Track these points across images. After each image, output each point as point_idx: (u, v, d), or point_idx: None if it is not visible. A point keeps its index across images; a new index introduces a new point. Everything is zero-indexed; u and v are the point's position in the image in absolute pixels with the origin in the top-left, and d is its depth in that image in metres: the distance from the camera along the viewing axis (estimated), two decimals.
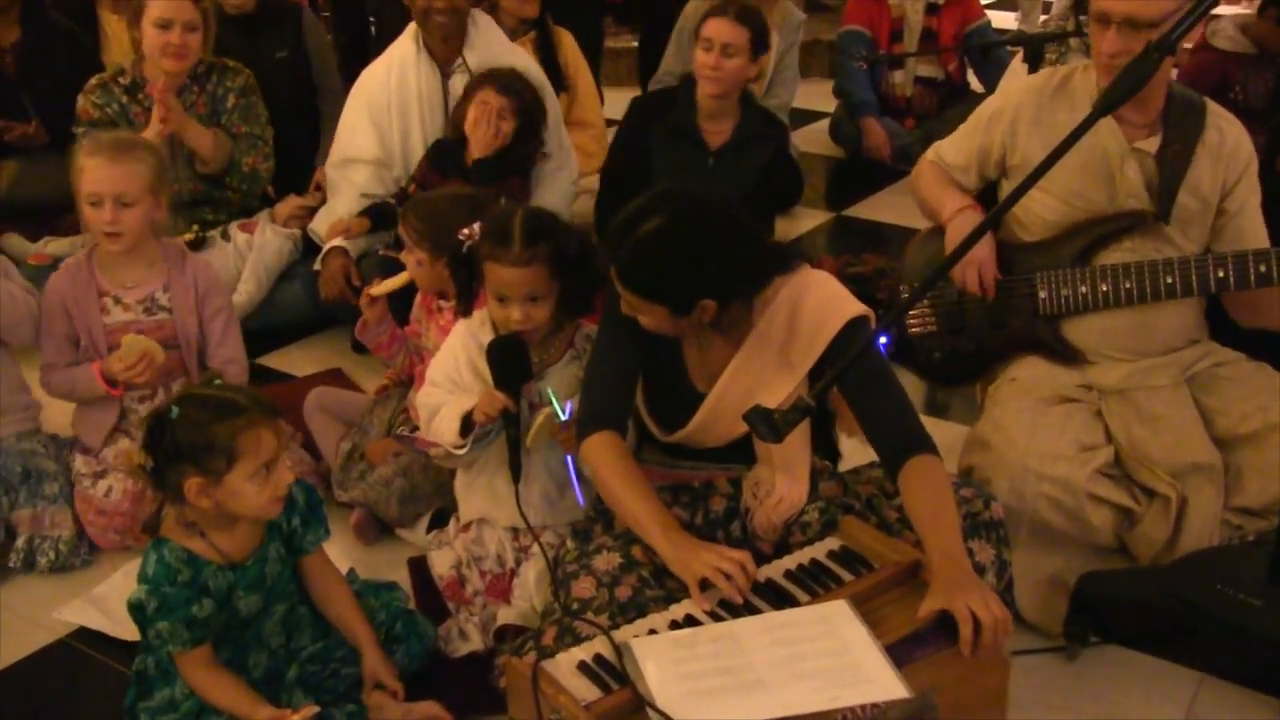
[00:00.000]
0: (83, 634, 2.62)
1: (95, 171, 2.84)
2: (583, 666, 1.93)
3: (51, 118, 4.22)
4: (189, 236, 3.74)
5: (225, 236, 3.84)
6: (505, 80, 3.60)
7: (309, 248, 3.96)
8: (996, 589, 2.22)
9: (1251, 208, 2.76)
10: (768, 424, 1.96)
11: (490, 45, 3.85)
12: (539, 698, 1.86)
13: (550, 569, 2.40)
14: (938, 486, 2.16)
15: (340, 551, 2.73)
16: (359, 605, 2.38)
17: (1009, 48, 5.14)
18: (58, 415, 3.12)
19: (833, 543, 2.22)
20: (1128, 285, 2.70)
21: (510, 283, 2.45)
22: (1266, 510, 2.65)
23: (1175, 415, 2.69)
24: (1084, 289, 2.74)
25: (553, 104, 3.98)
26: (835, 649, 1.88)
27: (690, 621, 2.02)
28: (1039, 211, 2.79)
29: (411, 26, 3.82)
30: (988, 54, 5.27)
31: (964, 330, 2.94)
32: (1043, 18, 7.22)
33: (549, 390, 2.49)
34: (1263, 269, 2.62)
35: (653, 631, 2.00)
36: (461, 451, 2.49)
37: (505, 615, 2.52)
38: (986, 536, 2.25)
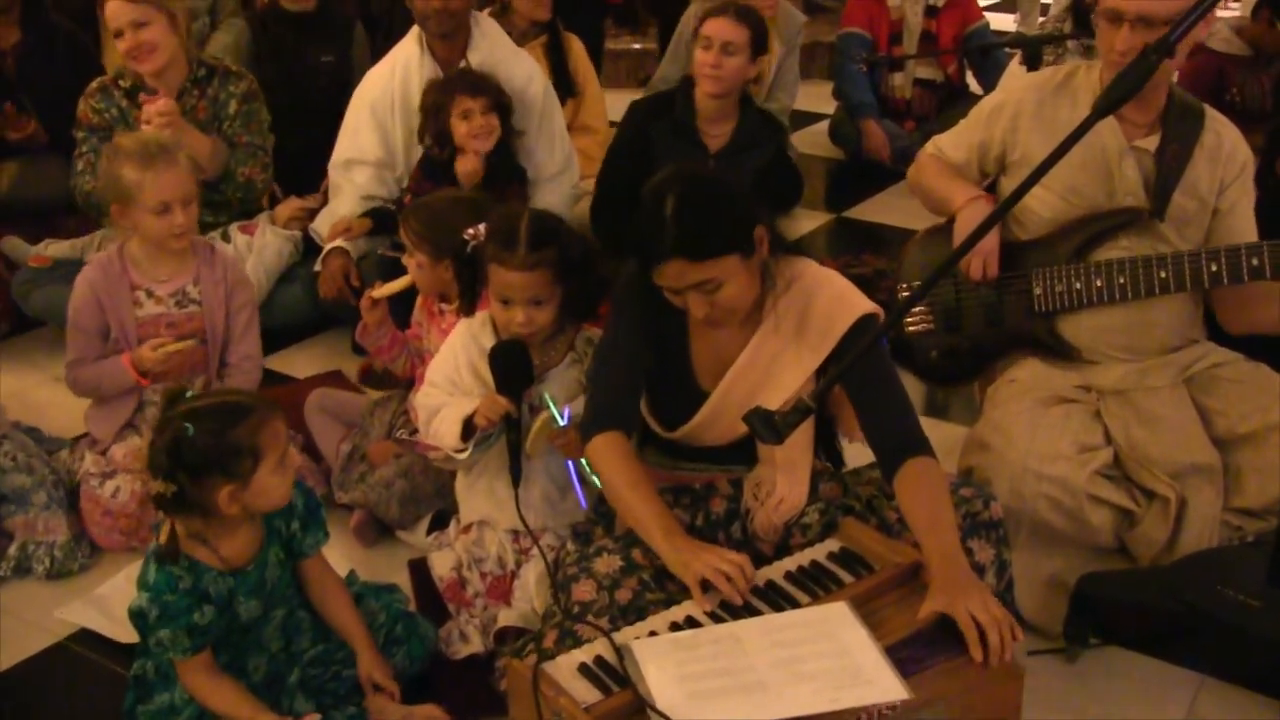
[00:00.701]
0: (82, 636, 2.62)
1: (158, 180, 2.87)
2: (583, 668, 1.93)
3: (52, 120, 4.22)
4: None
5: (225, 238, 3.83)
6: (470, 81, 3.58)
7: (310, 249, 3.96)
8: (996, 589, 2.22)
9: (1243, 207, 2.77)
10: (768, 425, 1.96)
11: (494, 48, 3.85)
12: (539, 700, 1.86)
13: (550, 572, 2.40)
14: (935, 489, 2.17)
15: (340, 553, 2.73)
16: (356, 608, 2.39)
17: (1007, 49, 5.16)
18: (64, 416, 3.12)
19: (833, 544, 2.22)
20: (1121, 280, 2.71)
21: (514, 286, 2.45)
22: (1266, 511, 2.65)
23: (1174, 416, 2.69)
24: (1078, 284, 2.75)
25: (557, 110, 3.98)
26: (835, 650, 1.88)
27: (691, 623, 2.02)
28: (1036, 208, 2.80)
29: (415, 28, 3.82)
30: (986, 56, 5.29)
31: (961, 328, 2.94)
32: (1041, 19, 7.24)
33: (547, 395, 2.49)
34: (1255, 262, 2.63)
35: (653, 633, 2.00)
36: (462, 455, 2.49)
37: (506, 617, 2.52)
38: (986, 536, 2.25)
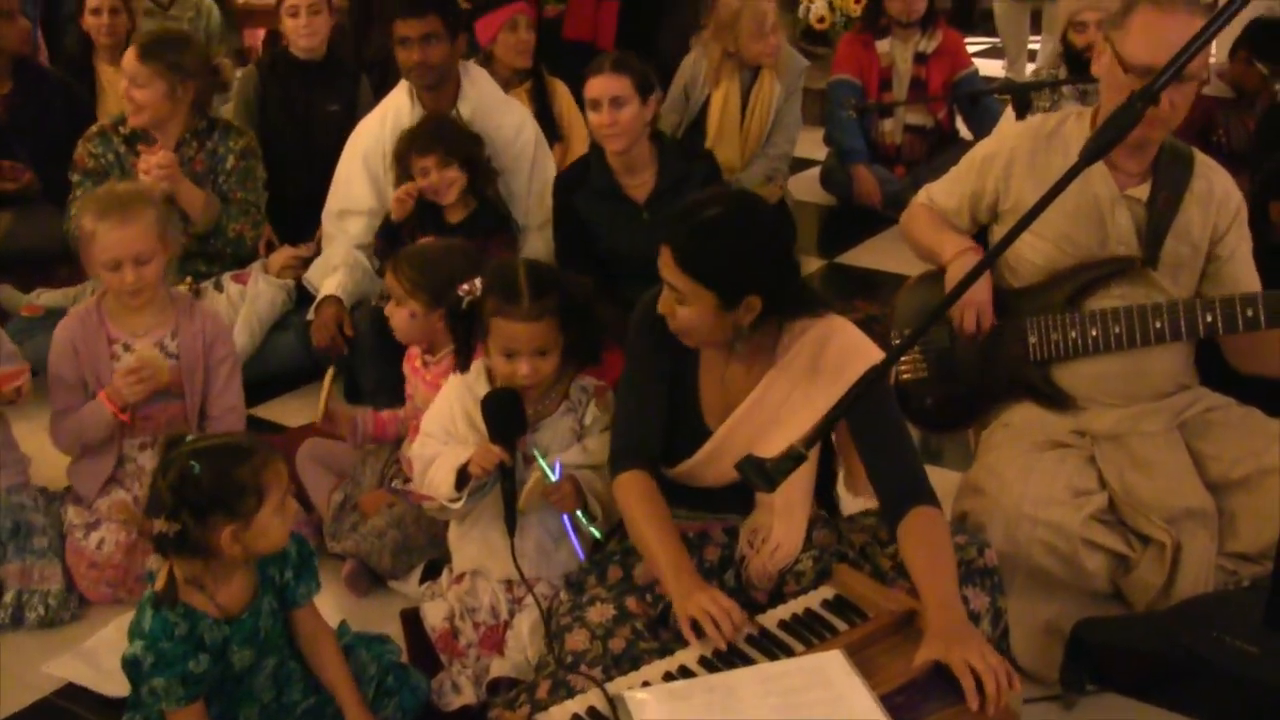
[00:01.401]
0: (69, 691, 2.60)
1: (108, 236, 2.84)
2: (576, 719, 1.91)
3: (44, 169, 4.24)
4: (182, 288, 3.74)
5: (218, 287, 3.85)
6: (422, 138, 3.58)
7: (303, 298, 3.97)
8: (991, 637, 2.21)
9: (1242, 253, 2.77)
10: (760, 473, 1.96)
11: (483, 97, 3.87)
12: None
13: (545, 620, 2.39)
14: (937, 539, 2.17)
15: (332, 603, 2.71)
16: (345, 661, 2.36)
17: (998, 97, 5.19)
18: (49, 468, 3.11)
19: (827, 592, 2.21)
20: (1117, 330, 2.71)
21: (520, 338, 2.45)
22: (1261, 555, 2.64)
23: (1168, 460, 2.69)
24: (1074, 334, 2.75)
25: (548, 157, 4.00)
26: (830, 699, 1.87)
27: (685, 673, 2.01)
28: (1029, 256, 2.80)
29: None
30: (976, 102, 5.32)
31: (955, 376, 2.94)
32: (1030, 66, 7.30)
33: (537, 452, 2.48)
34: (1250, 314, 2.63)
35: (647, 683, 1.99)
36: (456, 505, 2.48)
37: (499, 667, 2.50)
38: (980, 584, 2.24)
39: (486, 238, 3.62)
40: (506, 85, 4.40)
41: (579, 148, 4.82)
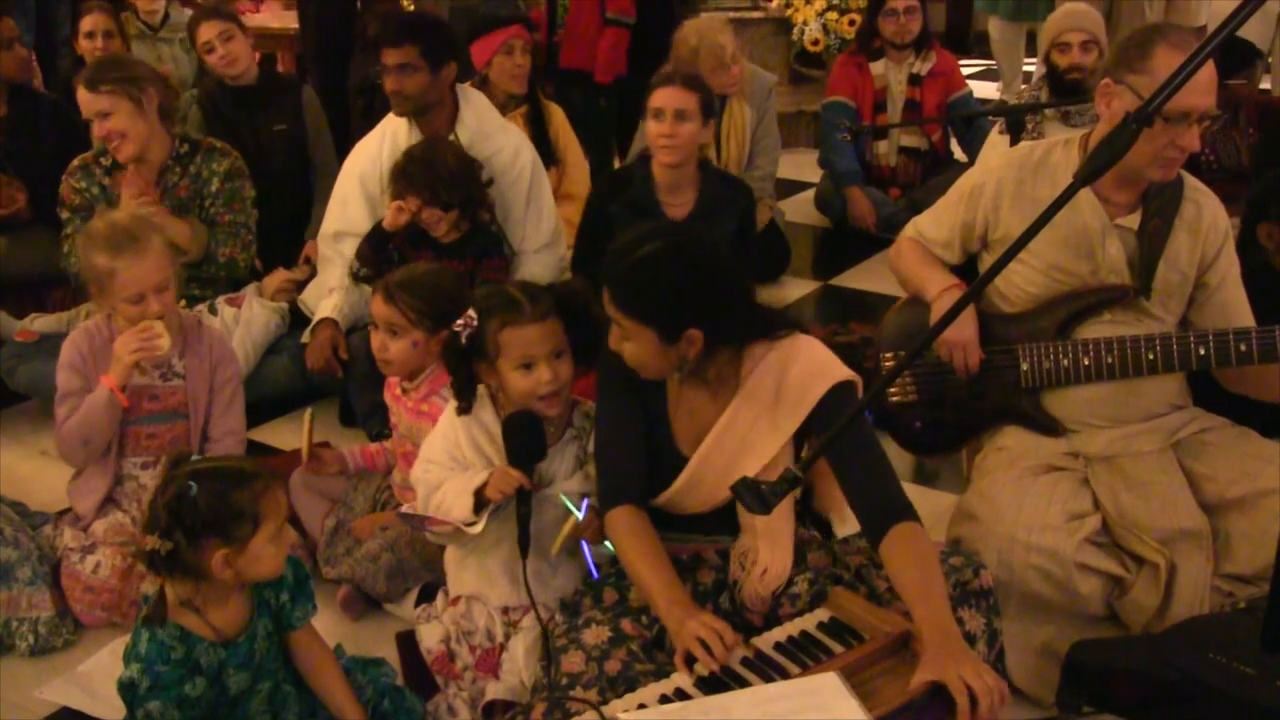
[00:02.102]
0: (64, 716, 2.59)
1: (128, 272, 2.84)
2: None
3: (39, 193, 4.24)
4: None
5: (213, 311, 3.84)
6: (414, 181, 3.56)
7: (297, 321, 3.97)
8: (988, 659, 2.21)
9: (1233, 279, 2.78)
10: (755, 495, 1.96)
11: (481, 122, 3.88)
12: None
13: (546, 641, 2.38)
14: (922, 555, 2.16)
15: (328, 627, 2.70)
16: (347, 682, 2.36)
17: (989, 118, 5.21)
18: (45, 492, 3.10)
19: (822, 614, 2.21)
20: (1109, 360, 2.71)
21: (534, 341, 2.44)
22: (1257, 577, 2.63)
23: (1162, 481, 2.69)
24: (1066, 362, 2.75)
25: (544, 182, 4.01)
26: None
27: (681, 695, 2.01)
28: (1021, 284, 2.81)
29: None
30: (970, 124, 5.34)
31: (945, 401, 2.94)
32: (1023, 87, 7.34)
33: (563, 495, 2.47)
34: (1243, 348, 2.64)
35: (642, 706, 1.98)
36: (475, 528, 2.47)
37: (494, 690, 2.49)
38: (976, 605, 2.24)
39: (478, 260, 3.63)
40: (502, 109, 4.42)
41: (575, 172, 4.85)
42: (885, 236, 5.10)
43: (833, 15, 7.81)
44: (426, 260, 3.49)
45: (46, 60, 6.16)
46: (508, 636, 2.57)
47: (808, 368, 2.32)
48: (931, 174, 5.56)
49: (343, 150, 4.26)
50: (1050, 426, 2.80)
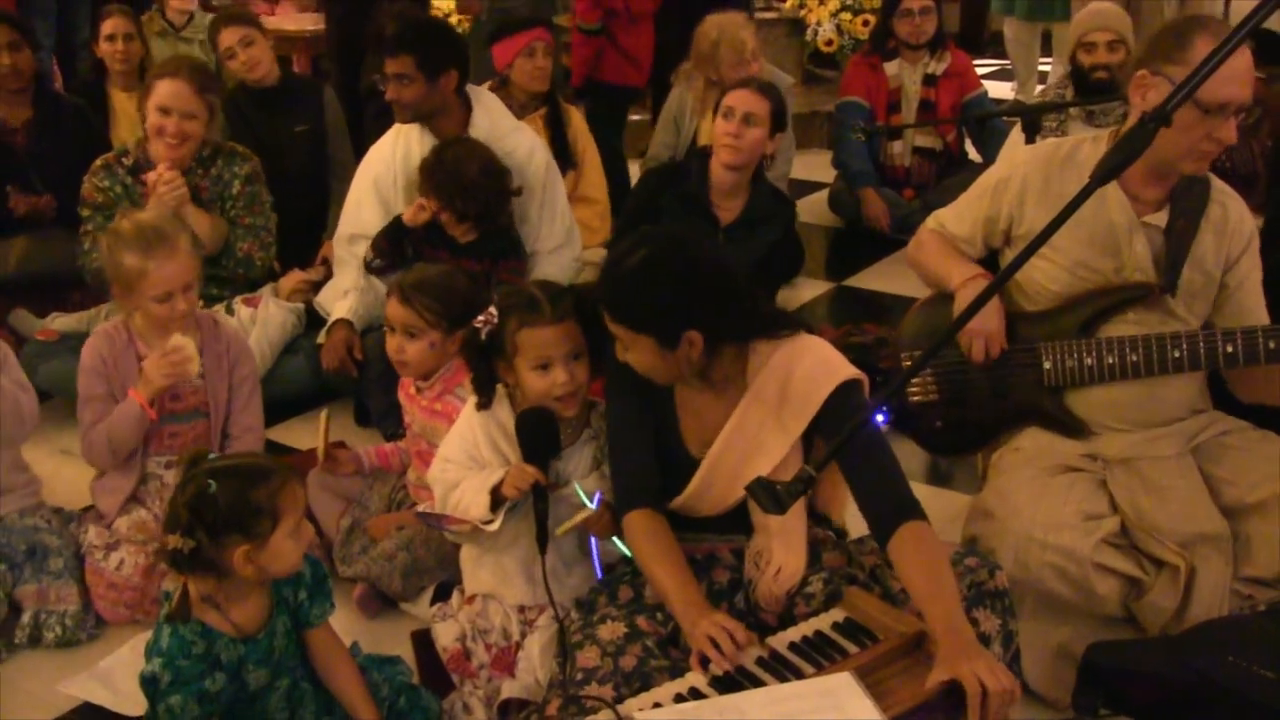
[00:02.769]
0: (85, 710, 2.60)
1: (159, 272, 2.87)
2: None
3: (60, 194, 4.26)
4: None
5: (229, 311, 3.86)
6: (437, 190, 3.59)
7: (313, 321, 3.98)
8: (1003, 660, 2.21)
9: (1253, 282, 2.76)
10: (770, 496, 1.96)
11: (495, 124, 3.89)
12: None
13: (562, 637, 2.38)
14: (931, 554, 2.16)
15: (343, 626, 2.71)
16: (363, 680, 2.37)
17: (1006, 118, 5.20)
18: (67, 489, 3.12)
19: (837, 614, 2.21)
20: (1134, 358, 2.69)
21: (551, 342, 2.44)
22: (1277, 580, 2.63)
23: (1181, 485, 2.67)
24: (1090, 360, 2.73)
25: (559, 183, 4.01)
26: None
27: (696, 694, 2.01)
28: (1044, 282, 2.78)
29: None
30: (985, 124, 5.33)
31: (966, 400, 2.93)
32: (1039, 88, 7.32)
33: (577, 485, 2.48)
34: (1272, 345, 2.61)
35: (657, 704, 1.98)
36: (492, 526, 2.47)
37: (509, 689, 2.50)
38: (991, 606, 2.24)
39: (495, 261, 3.64)
40: (522, 110, 4.43)
41: (592, 175, 4.86)
42: (899, 237, 5.10)
43: (846, 15, 7.82)
44: (442, 258, 3.51)
45: (67, 63, 6.20)
46: (523, 635, 2.58)
47: (813, 367, 2.32)
48: (946, 175, 5.54)
49: (359, 151, 4.27)
50: (1073, 427, 2.78)
